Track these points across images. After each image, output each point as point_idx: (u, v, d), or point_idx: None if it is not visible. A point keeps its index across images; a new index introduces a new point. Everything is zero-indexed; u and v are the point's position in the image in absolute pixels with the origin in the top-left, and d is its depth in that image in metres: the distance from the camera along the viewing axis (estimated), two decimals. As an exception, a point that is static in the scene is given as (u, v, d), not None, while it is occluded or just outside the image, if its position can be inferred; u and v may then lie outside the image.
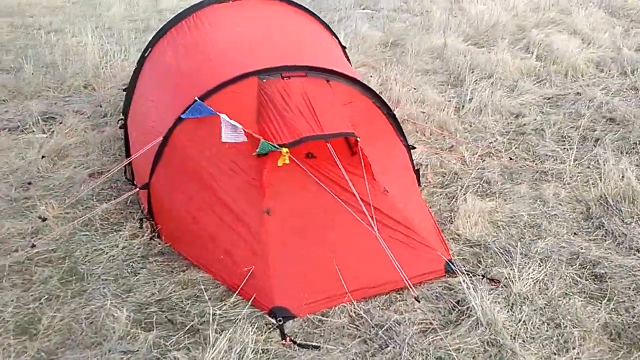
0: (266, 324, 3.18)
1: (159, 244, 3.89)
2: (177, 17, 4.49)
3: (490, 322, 3.07)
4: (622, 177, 4.33)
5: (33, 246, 3.79)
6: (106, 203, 4.39)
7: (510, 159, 4.95)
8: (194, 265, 3.69)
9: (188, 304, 3.38)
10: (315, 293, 3.31)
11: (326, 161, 3.70)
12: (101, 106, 6.29)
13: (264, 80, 3.67)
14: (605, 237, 3.91)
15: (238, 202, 3.52)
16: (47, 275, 3.66)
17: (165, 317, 3.30)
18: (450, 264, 3.56)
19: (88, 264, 3.76)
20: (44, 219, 4.11)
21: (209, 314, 3.26)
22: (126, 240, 3.96)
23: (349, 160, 3.74)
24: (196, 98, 3.62)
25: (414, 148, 4.56)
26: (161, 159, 3.73)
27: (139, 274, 3.66)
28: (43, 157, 5.02)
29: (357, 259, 3.47)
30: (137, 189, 3.82)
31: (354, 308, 3.30)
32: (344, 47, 5.10)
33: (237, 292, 3.35)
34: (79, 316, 3.29)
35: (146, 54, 4.49)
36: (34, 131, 5.59)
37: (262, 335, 3.07)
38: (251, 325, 3.09)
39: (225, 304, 3.33)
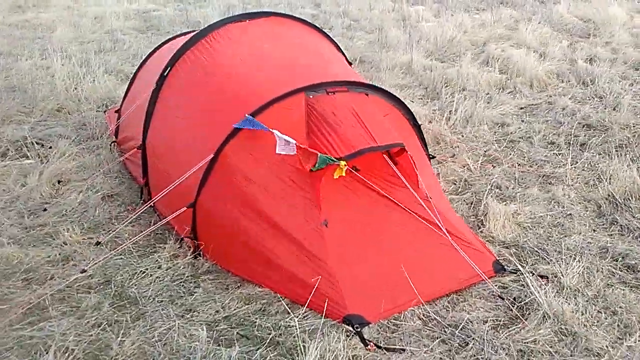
0: (343, 332, 3.26)
1: (206, 262, 3.89)
2: (195, 36, 4.51)
3: (558, 314, 3.31)
4: (626, 176, 4.74)
5: (84, 271, 3.69)
6: (131, 225, 4.36)
7: (518, 164, 5.29)
8: (248, 281, 3.72)
9: (257, 318, 3.42)
10: (384, 299, 3.44)
11: (370, 173, 3.87)
12: (84, 129, 6.15)
13: (311, 97, 3.79)
14: (622, 231, 4.27)
15: (294, 216, 3.60)
16: (96, 301, 3.59)
17: (238, 333, 3.33)
18: (499, 263, 3.79)
19: (136, 287, 3.71)
20: (99, 243, 4.01)
21: (284, 326, 3.33)
22: (168, 261, 3.93)
23: (391, 170, 3.90)
24: (247, 115, 3.68)
25: (434, 157, 4.80)
26: (210, 177, 3.75)
27: (194, 293, 3.65)
28: (60, 182, 4.89)
29: (417, 264, 3.63)
30: (184, 209, 3.80)
31: (423, 311, 3.45)
32: (350, 63, 5.28)
33: (306, 303, 3.42)
34: (150, 339, 3.26)
35: (165, 74, 4.46)
36: (27, 156, 5.41)
37: (346, 342, 3.16)
38: (337, 334, 3.17)
39: (295, 316, 3.39)
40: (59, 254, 4.06)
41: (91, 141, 5.89)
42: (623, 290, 3.64)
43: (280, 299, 3.55)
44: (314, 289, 3.41)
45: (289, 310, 3.45)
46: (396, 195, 3.85)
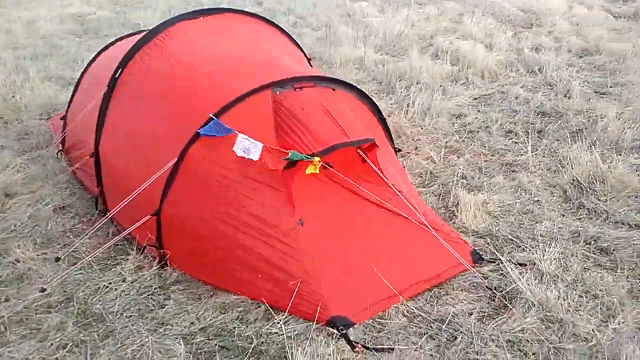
0: (331, 336, 3.14)
1: (173, 272, 3.69)
2: (146, 35, 4.29)
3: (542, 301, 3.28)
4: (587, 161, 4.80)
5: (43, 290, 3.44)
6: (89, 238, 4.10)
7: (482, 154, 5.29)
8: (220, 288, 3.55)
9: (235, 327, 3.26)
10: (366, 298, 3.33)
11: (341, 169, 3.75)
12: (27, 138, 5.81)
13: (278, 93, 3.65)
14: (590, 215, 4.31)
15: (268, 217, 3.44)
16: (58, 321, 3.36)
17: (217, 344, 3.16)
18: (477, 253, 3.75)
19: (100, 304, 3.49)
20: (58, 259, 3.74)
21: (266, 333, 3.18)
22: (133, 273, 3.72)
23: (361, 167, 3.80)
24: (211, 115, 3.51)
25: (400, 151, 4.73)
26: (174, 182, 3.55)
27: (165, 305, 3.46)
28: (7, 195, 4.57)
29: (396, 259, 3.55)
30: (148, 217, 3.59)
31: (407, 308, 3.37)
32: (308, 59, 5.16)
33: (287, 308, 3.27)
34: (123, 358, 3.06)
35: (117, 75, 4.23)
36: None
37: (335, 346, 3.03)
38: (324, 338, 3.05)
39: (276, 322, 3.25)
40: (12, 273, 3.79)
41: (36, 151, 5.55)
42: (600, 273, 3.66)
43: (259, 305, 3.40)
44: (295, 292, 3.27)
45: (269, 317, 3.31)
46: (368, 190, 3.74)
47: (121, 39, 5.58)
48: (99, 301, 3.51)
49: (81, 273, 3.78)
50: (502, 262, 3.68)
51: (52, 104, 6.72)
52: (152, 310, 3.43)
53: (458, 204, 4.32)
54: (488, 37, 9.29)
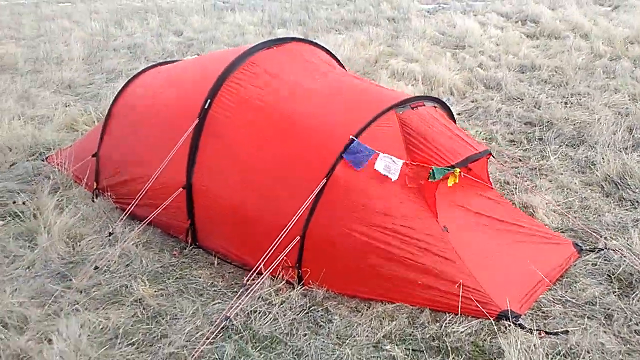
0: (506, 328, 3.51)
1: (318, 290, 3.87)
2: (229, 67, 4.45)
3: (662, 277, 3.91)
4: (610, 160, 5.61)
5: (227, 318, 3.47)
6: (198, 269, 4.14)
7: (520, 160, 5.93)
8: (372, 299, 3.80)
9: (412, 331, 3.53)
10: (519, 291, 3.75)
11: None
12: (42, 180, 5.58)
13: (401, 113, 4.01)
14: (634, 205, 5.04)
15: (416, 227, 3.74)
16: (238, 347, 3.43)
17: (406, 348, 3.41)
18: (578, 245, 4.31)
19: (266, 327, 3.59)
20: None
21: (450, 332, 3.49)
22: (275, 295, 3.84)
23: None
24: (352, 137, 3.79)
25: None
26: (319, 203, 3.76)
27: (332, 320, 3.66)
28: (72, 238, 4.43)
29: (525, 256, 4.01)
30: (298, 238, 3.76)
31: (552, 296, 3.83)
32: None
33: (458, 309, 3.59)
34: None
35: (207, 106, 4.35)
36: (18, 215, 4.80)
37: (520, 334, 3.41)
38: (507, 329, 3.44)
39: (448, 322, 3.56)
40: (145, 311, 3.77)
41: (65, 191, 5.34)
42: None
43: (420, 309, 3.69)
44: (461, 293, 3.60)
45: (437, 319, 3.63)
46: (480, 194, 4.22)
47: (149, 68, 5.61)
48: (262, 326, 3.60)
49: (219, 302, 3.84)
50: (599, 249, 4.27)
51: (40, 143, 6.48)
52: (322, 326, 3.60)
53: (527, 206, 4.87)
54: (429, 58, 10.12)
